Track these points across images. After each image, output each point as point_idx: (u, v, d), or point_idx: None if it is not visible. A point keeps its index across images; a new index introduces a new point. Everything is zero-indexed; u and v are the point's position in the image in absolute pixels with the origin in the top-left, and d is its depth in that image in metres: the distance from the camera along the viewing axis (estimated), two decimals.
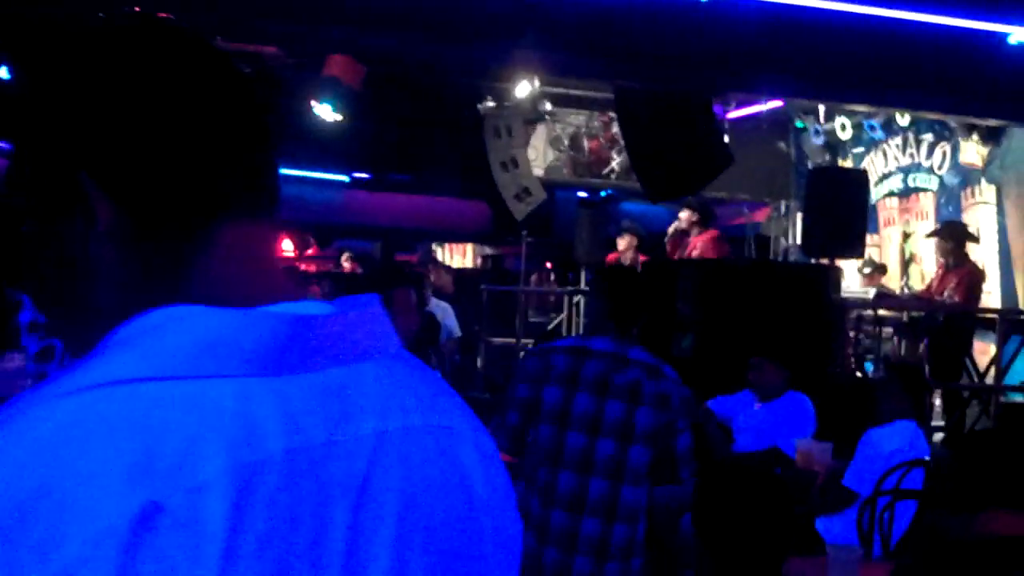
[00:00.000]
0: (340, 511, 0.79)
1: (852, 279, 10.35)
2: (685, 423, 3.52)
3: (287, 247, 15.46)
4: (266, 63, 9.16)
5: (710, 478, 2.46)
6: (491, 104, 9.96)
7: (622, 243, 9.93)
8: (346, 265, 14.78)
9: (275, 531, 0.75)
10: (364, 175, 15.04)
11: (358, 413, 0.83)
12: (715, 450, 5.76)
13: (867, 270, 10.52)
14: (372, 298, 0.90)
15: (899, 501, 4.78)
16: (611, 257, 10.07)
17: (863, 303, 8.96)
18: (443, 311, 9.56)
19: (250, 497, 0.74)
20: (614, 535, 3.42)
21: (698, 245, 9.16)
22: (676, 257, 9.42)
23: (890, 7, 7.58)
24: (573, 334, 10.24)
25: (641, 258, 9.75)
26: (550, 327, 10.39)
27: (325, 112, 9.62)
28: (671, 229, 9.61)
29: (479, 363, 10.22)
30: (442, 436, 0.89)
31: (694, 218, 9.23)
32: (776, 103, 11.13)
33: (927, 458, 5.20)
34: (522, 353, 9.35)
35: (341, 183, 15.37)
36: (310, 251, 16.53)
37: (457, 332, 9.94)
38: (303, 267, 13.07)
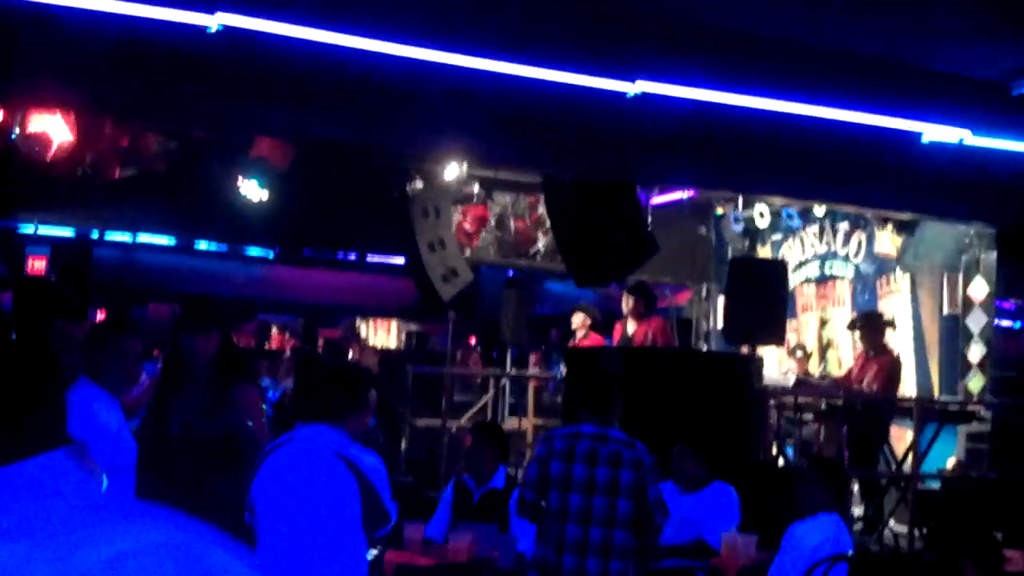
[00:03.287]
0: None
1: (770, 363, 10.50)
2: (654, 479, 4.64)
3: None
4: (192, 138, 9.09)
5: None
6: (419, 185, 9.98)
7: (575, 321, 10.04)
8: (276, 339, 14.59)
9: None
10: (288, 251, 14.93)
11: None
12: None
13: (799, 354, 10.72)
14: (55, 456, 0.82)
15: None
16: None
17: (783, 390, 9.08)
18: None
19: None
20: (611, 570, 4.54)
21: (647, 332, 9.20)
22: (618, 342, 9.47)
23: (809, 103, 7.81)
24: (501, 414, 10.25)
25: (592, 340, 9.77)
26: (477, 407, 10.33)
27: (251, 189, 9.55)
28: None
29: (403, 445, 10.09)
30: None
31: (637, 305, 9.28)
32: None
33: (850, 552, 5.25)
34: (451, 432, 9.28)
35: (264, 259, 15.23)
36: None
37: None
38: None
